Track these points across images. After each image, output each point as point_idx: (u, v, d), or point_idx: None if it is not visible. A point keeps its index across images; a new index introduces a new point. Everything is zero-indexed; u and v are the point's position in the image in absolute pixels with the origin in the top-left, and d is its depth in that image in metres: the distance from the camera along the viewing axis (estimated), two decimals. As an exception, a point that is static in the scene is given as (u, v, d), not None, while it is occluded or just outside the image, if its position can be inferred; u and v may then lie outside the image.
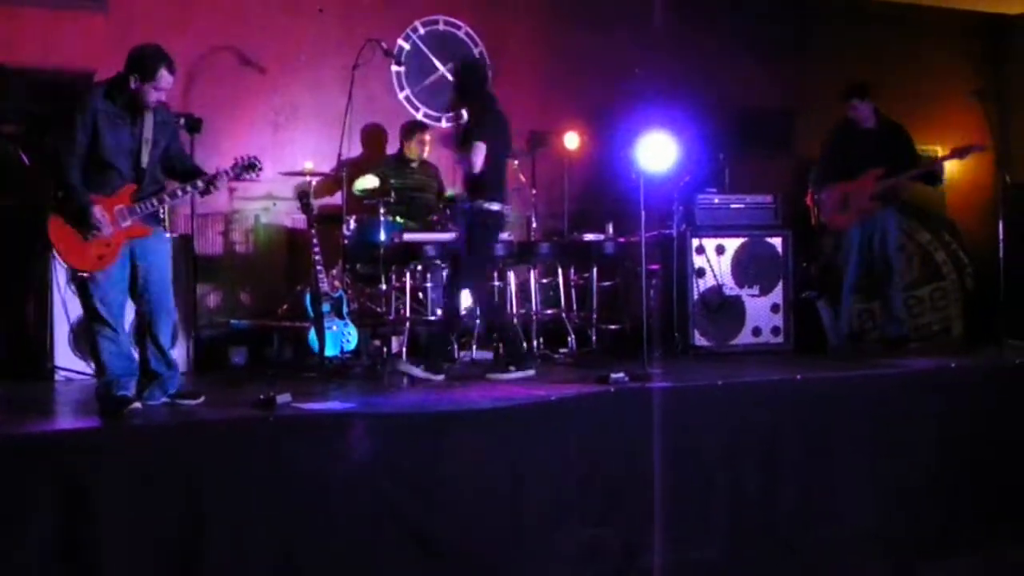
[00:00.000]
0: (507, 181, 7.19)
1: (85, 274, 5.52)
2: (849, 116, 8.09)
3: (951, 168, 9.43)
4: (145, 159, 5.62)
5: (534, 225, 8.61)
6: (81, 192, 5.44)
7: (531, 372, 6.83)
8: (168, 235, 6.48)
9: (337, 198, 8.31)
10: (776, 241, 8.32)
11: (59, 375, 6.99)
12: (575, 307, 8.36)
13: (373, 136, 8.99)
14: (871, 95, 8.05)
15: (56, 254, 5.60)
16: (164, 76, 5.57)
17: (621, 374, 6.12)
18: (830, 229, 8.18)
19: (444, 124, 9.35)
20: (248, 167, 5.94)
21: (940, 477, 6.39)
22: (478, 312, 7.50)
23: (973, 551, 6.01)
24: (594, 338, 8.24)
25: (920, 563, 5.86)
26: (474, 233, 6.92)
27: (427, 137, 8.72)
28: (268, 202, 8.62)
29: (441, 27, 9.40)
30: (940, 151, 8.81)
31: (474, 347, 7.91)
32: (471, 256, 6.94)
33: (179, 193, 5.81)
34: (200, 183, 5.77)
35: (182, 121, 7.63)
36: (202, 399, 5.82)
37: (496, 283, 8.09)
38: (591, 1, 9.66)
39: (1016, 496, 6.49)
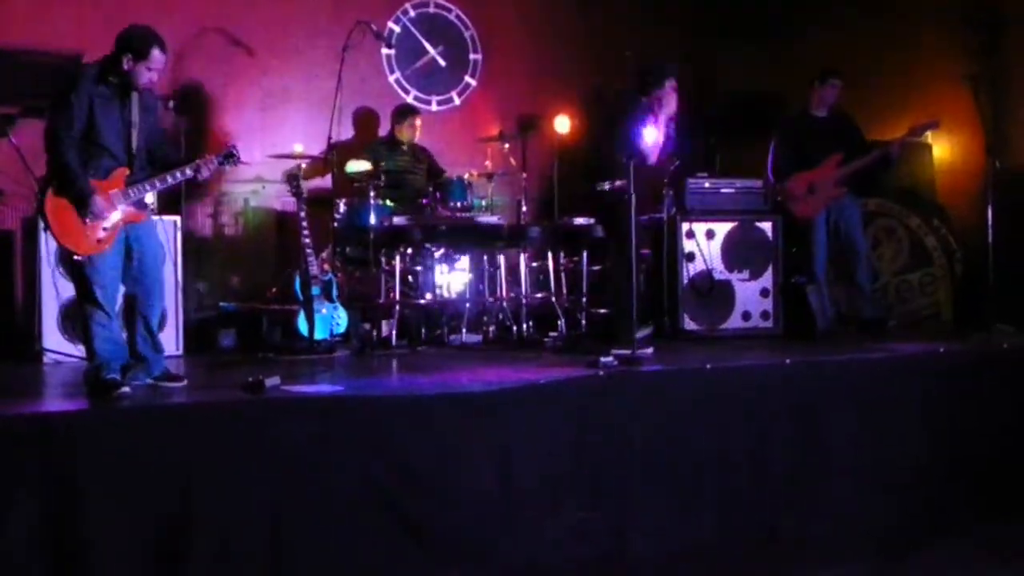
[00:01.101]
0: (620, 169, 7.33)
1: (81, 258, 5.48)
2: (818, 99, 8.29)
3: (941, 153, 9.42)
4: (135, 142, 5.60)
5: (524, 209, 8.61)
6: (81, 178, 5.38)
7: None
8: (156, 218, 6.45)
9: (327, 181, 8.30)
10: (766, 226, 8.31)
11: (47, 357, 6.97)
12: (565, 291, 8.36)
13: (364, 119, 8.98)
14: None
15: (53, 236, 5.54)
16: (157, 56, 5.55)
17: (610, 358, 6.11)
18: (797, 218, 8.26)
19: (434, 107, 9.33)
20: (227, 157, 5.95)
21: (929, 462, 6.40)
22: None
23: (962, 535, 6.02)
24: (584, 322, 8.24)
25: (909, 548, 5.87)
26: None
27: (418, 121, 8.71)
28: (257, 185, 8.61)
29: (432, 10, 9.38)
30: (929, 137, 8.81)
31: (464, 330, 7.91)
32: None
33: (169, 180, 5.76)
34: (189, 171, 5.75)
35: (171, 103, 7.62)
36: (184, 382, 5.81)
37: (487, 266, 8.12)
38: (582, -16, 9.66)
39: (1005, 480, 6.50)
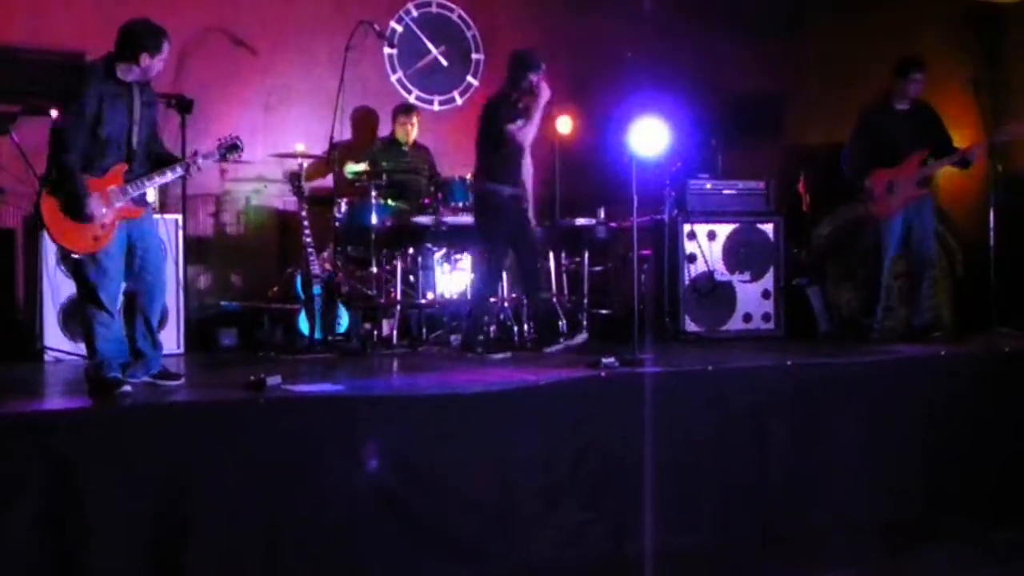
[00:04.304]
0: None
1: (80, 256, 5.45)
2: (899, 92, 7.81)
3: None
4: (135, 138, 5.60)
5: (526, 209, 8.60)
6: (78, 180, 5.38)
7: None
8: (157, 216, 6.45)
9: (328, 180, 8.29)
10: (767, 227, 8.33)
11: (48, 355, 6.98)
12: (566, 292, 8.36)
13: (364, 119, 8.97)
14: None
15: (50, 236, 5.53)
16: (166, 47, 5.60)
17: (612, 359, 6.11)
18: (874, 217, 7.88)
19: (436, 107, 9.32)
20: (231, 148, 5.93)
21: (930, 464, 6.40)
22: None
23: (962, 538, 6.02)
24: (585, 323, 8.24)
25: (909, 550, 5.87)
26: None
27: (413, 120, 8.70)
28: (259, 184, 8.60)
29: (434, 9, 9.38)
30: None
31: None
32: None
33: (169, 175, 5.77)
34: (179, 168, 5.76)
35: (173, 102, 7.62)
36: (182, 380, 5.81)
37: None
38: (584, -15, 9.65)
39: (1005, 482, 6.50)
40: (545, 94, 7.22)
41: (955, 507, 6.35)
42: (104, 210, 5.46)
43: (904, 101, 7.86)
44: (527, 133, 7.22)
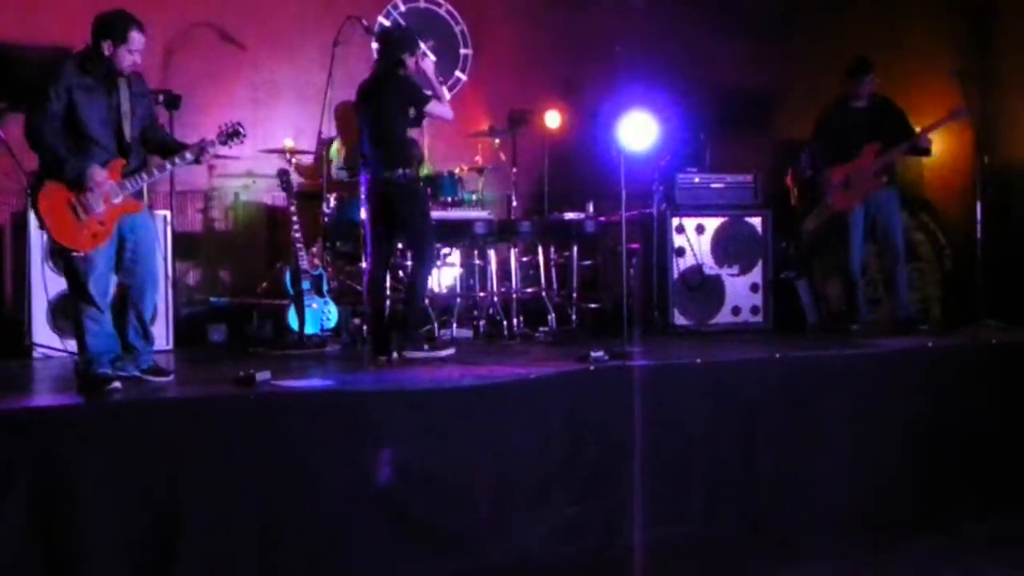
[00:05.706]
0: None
1: (79, 253, 5.43)
2: (852, 93, 7.95)
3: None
4: (127, 131, 5.56)
5: (514, 204, 8.63)
6: (72, 159, 5.34)
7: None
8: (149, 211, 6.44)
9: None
10: (756, 221, 8.34)
11: (37, 352, 6.96)
12: (555, 286, 8.38)
13: (348, 113, 8.94)
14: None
15: (50, 236, 5.47)
16: (135, 37, 5.52)
17: (601, 352, 6.12)
18: (836, 211, 8.02)
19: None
20: (232, 134, 5.88)
21: (916, 456, 6.42)
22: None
23: (948, 529, 6.04)
24: (574, 317, 8.25)
25: (896, 540, 5.89)
26: None
27: None
28: (248, 179, 8.59)
29: (422, 4, 9.37)
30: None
31: (454, 325, 7.90)
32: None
33: (167, 166, 5.75)
34: (189, 155, 5.71)
35: (161, 97, 7.60)
36: (172, 377, 5.80)
37: (477, 261, 8.13)
38: (572, -22, 9.65)
39: (991, 474, 6.52)
40: (430, 62, 7.06)
41: (941, 499, 6.37)
42: (102, 206, 5.43)
43: (860, 99, 7.99)
44: (447, 106, 6.99)
